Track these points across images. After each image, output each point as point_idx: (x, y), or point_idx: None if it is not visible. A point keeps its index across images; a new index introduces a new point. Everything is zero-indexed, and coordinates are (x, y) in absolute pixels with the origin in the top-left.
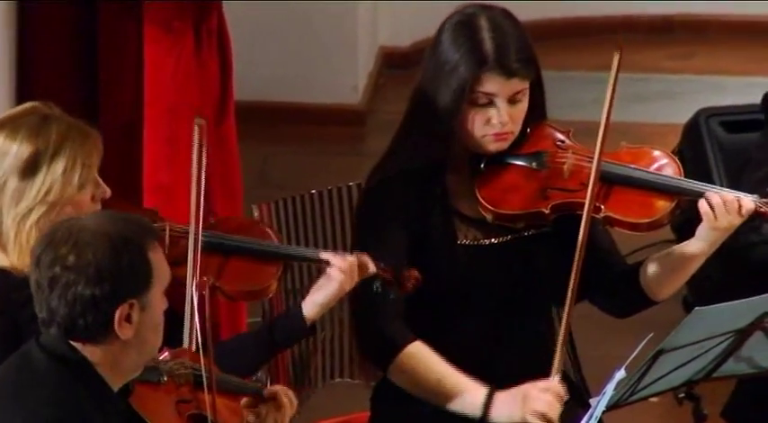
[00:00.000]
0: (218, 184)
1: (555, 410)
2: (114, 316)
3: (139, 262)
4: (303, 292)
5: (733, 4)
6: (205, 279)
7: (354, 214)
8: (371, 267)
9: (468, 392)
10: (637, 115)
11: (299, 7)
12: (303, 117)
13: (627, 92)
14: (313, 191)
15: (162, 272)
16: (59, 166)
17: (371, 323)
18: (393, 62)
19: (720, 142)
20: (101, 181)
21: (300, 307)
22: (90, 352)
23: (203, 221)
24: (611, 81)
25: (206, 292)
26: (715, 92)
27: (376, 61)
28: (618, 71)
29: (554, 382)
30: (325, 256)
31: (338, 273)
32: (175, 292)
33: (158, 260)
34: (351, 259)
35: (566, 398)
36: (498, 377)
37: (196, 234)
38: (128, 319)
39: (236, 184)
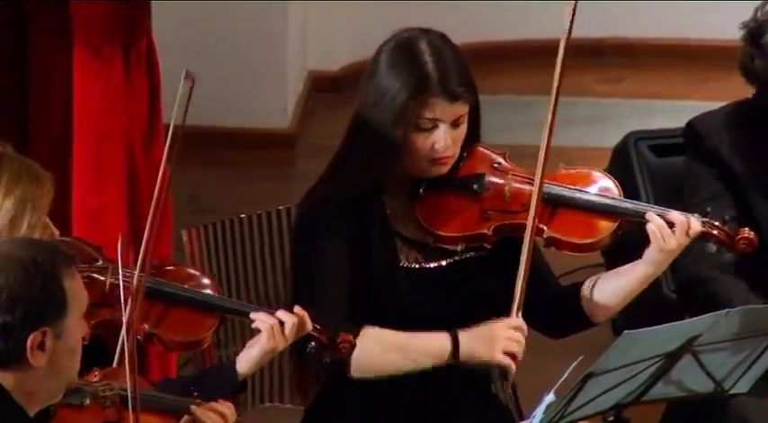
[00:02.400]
0: (149, 209)
1: (521, 348)
2: (26, 343)
3: (53, 289)
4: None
5: (664, 28)
6: (145, 326)
7: (293, 238)
8: (308, 327)
9: (434, 343)
10: (566, 139)
11: (228, 31)
12: (233, 141)
13: (556, 115)
14: (243, 215)
15: (78, 299)
16: (8, 208)
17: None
18: (322, 86)
19: (649, 166)
20: (50, 223)
21: (234, 362)
22: (3, 378)
23: (148, 269)
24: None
25: (141, 337)
26: (644, 115)
27: (305, 85)
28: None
29: (517, 319)
30: (254, 316)
31: (265, 330)
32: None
33: (75, 287)
34: (284, 319)
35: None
36: (442, 398)
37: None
38: (41, 346)
39: (166, 209)
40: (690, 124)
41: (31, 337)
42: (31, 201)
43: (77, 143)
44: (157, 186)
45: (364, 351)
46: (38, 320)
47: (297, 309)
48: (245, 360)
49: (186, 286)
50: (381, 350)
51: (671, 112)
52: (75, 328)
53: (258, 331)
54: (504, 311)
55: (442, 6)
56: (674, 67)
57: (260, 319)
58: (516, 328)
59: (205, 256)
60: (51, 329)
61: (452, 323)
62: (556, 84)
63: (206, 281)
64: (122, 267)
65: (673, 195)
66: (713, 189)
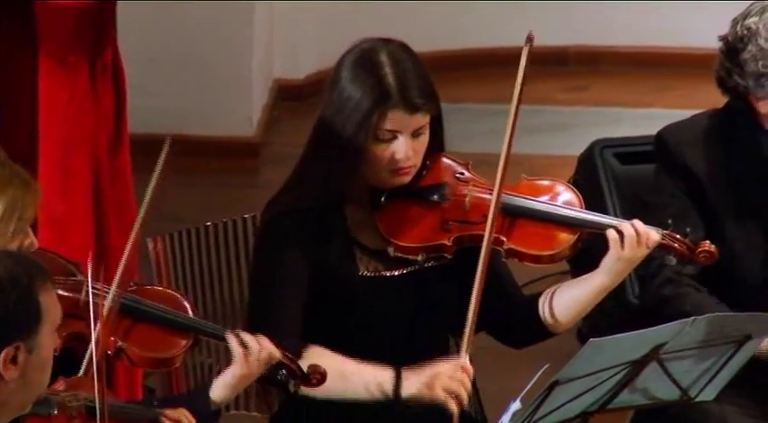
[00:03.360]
0: (114, 217)
1: (465, 389)
2: None
3: (28, 303)
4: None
5: (628, 35)
6: (113, 339)
7: (253, 247)
8: (277, 355)
9: (376, 375)
10: (531, 147)
11: (194, 40)
12: (198, 149)
13: (521, 123)
14: (208, 223)
15: (53, 314)
16: None
17: None
18: (288, 94)
19: (615, 173)
20: (31, 233)
21: (208, 388)
22: None
23: (123, 285)
24: (521, 74)
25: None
26: (609, 123)
27: (271, 94)
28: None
29: (463, 360)
30: (229, 339)
31: (239, 355)
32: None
33: (49, 302)
34: (255, 346)
35: (473, 376)
36: (400, 406)
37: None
38: (13, 360)
39: (131, 217)
40: (660, 135)
41: (4, 351)
42: (20, 208)
43: (43, 152)
44: (145, 204)
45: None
46: (11, 335)
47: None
48: (221, 385)
49: (163, 305)
50: (321, 388)
51: (635, 120)
52: (48, 342)
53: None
54: (463, 320)
55: (407, 15)
56: (638, 74)
57: (235, 345)
58: (462, 369)
59: (171, 264)
60: (24, 344)
61: (412, 332)
62: (515, 103)
63: (183, 302)
64: (99, 283)
65: (638, 203)
66: (680, 203)
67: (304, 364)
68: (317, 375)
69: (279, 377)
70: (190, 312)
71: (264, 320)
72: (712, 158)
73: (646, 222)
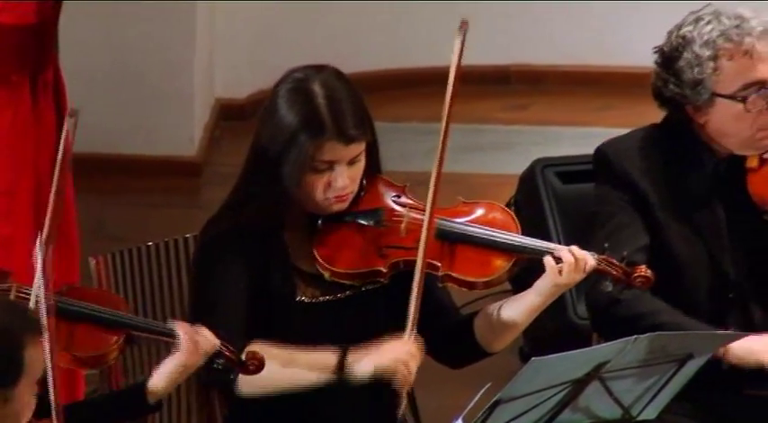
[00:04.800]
0: (56, 236)
1: (414, 363)
2: None
3: (13, 356)
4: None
5: (569, 54)
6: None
7: (192, 266)
8: (216, 342)
9: (321, 357)
10: (471, 166)
11: (135, 59)
12: (139, 169)
13: (461, 142)
14: (150, 243)
15: (35, 368)
16: None
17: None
18: (229, 114)
19: (556, 192)
20: None
21: (143, 383)
22: None
23: (54, 289)
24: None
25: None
26: (550, 142)
27: (212, 113)
28: (462, 52)
29: (409, 343)
30: (170, 326)
31: (184, 343)
32: None
33: (35, 356)
34: (194, 334)
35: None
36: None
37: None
38: None
39: (73, 236)
40: (599, 150)
41: None
42: None
43: None
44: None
45: (252, 387)
46: None
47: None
48: (159, 376)
49: (90, 304)
50: (266, 382)
51: (576, 139)
52: (26, 393)
53: (168, 352)
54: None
55: (348, 34)
56: (578, 93)
57: (179, 333)
58: (408, 351)
59: (113, 283)
60: (1, 394)
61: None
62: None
63: (115, 299)
64: (24, 287)
65: (580, 222)
66: (622, 218)
67: (247, 384)
68: (255, 361)
69: (216, 366)
70: (123, 309)
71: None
72: (654, 173)
73: (589, 240)
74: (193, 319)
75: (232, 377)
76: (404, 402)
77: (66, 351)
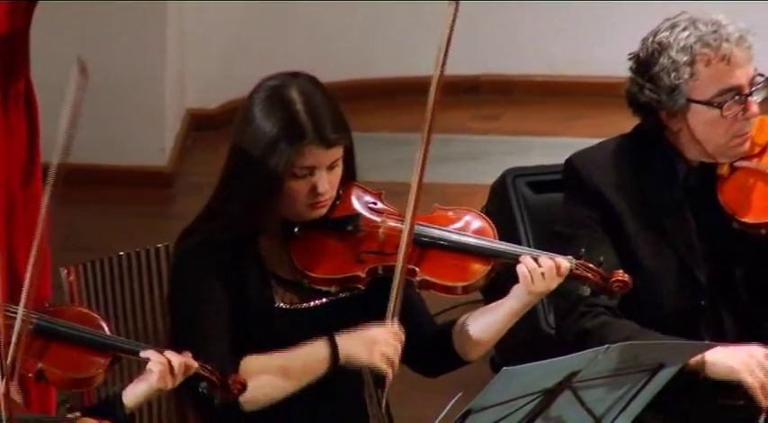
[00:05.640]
0: (27, 247)
1: (397, 355)
2: None
3: None
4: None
5: (539, 64)
6: (33, 362)
7: (169, 283)
8: (194, 365)
9: (313, 354)
10: (443, 176)
11: (106, 70)
12: (111, 179)
13: (432, 152)
14: (121, 253)
15: None
16: None
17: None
18: (200, 124)
19: (527, 202)
20: None
21: (121, 397)
22: None
23: (35, 305)
24: (445, 37)
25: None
26: (521, 152)
27: (183, 123)
28: (453, 24)
29: (394, 326)
30: (145, 354)
31: (156, 370)
32: None
33: None
34: (173, 359)
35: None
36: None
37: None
38: None
39: (44, 247)
40: (569, 162)
41: None
42: None
43: None
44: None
45: (255, 397)
46: None
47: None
48: (131, 395)
49: (79, 325)
50: (266, 379)
51: (547, 149)
52: None
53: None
54: None
55: (318, 44)
56: (549, 103)
57: (152, 360)
58: (394, 335)
59: (84, 293)
60: None
61: None
62: (425, 138)
63: (99, 321)
64: (8, 306)
65: (551, 232)
66: (592, 232)
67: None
68: (238, 385)
69: (201, 390)
70: (106, 330)
71: (194, 350)
72: (624, 184)
73: (558, 252)
74: (175, 338)
75: (216, 402)
76: (387, 388)
77: (55, 371)
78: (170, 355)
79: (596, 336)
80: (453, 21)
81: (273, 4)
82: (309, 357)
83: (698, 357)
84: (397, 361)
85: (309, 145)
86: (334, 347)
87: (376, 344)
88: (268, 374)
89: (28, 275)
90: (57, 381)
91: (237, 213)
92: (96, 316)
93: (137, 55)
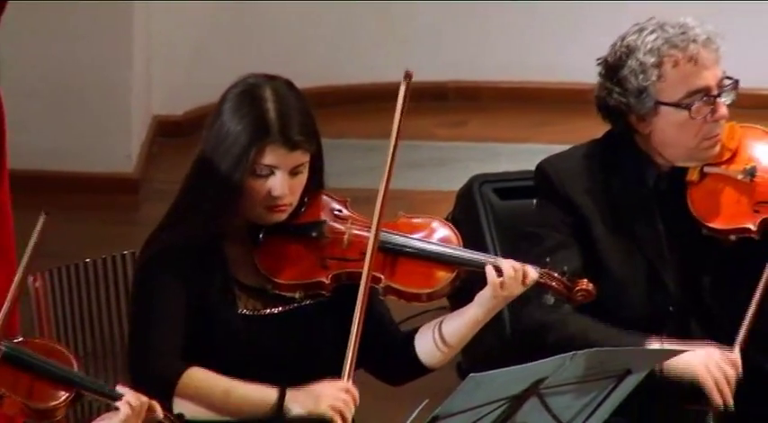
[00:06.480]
0: None
1: (350, 409)
2: None
3: None
4: None
5: (506, 71)
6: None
7: (132, 284)
8: (158, 413)
9: (260, 393)
10: (410, 182)
11: (72, 77)
12: (77, 186)
13: (400, 159)
14: (88, 259)
15: None
16: None
17: (142, 369)
18: (167, 131)
19: (494, 209)
20: None
21: None
22: None
23: (8, 333)
24: (398, 112)
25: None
26: (488, 158)
27: (149, 130)
28: (406, 101)
29: (348, 383)
30: (120, 390)
31: (127, 407)
32: None
33: None
34: (142, 400)
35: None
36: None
37: None
38: None
39: (10, 254)
40: (540, 168)
41: None
42: None
43: None
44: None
45: (189, 388)
46: None
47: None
48: None
49: (45, 358)
50: (206, 390)
51: (514, 155)
52: None
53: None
54: (342, 357)
55: (286, 51)
56: (516, 110)
57: (122, 401)
58: (346, 391)
59: (50, 300)
60: None
61: (292, 370)
62: (393, 142)
63: (69, 356)
64: None
65: (518, 238)
66: (561, 237)
67: (183, 406)
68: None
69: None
70: (75, 367)
71: (144, 356)
72: (594, 189)
73: (526, 255)
74: (131, 336)
75: None
76: None
77: (20, 398)
78: (136, 400)
79: (557, 329)
80: (406, 96)
81: (240, 11)
82: (254, 393)
83: None
84: (349, 416)
85: (272, 143)
86: (282, 396)
87: (324, 397)
88: (209, 391)
89: (7, 305)
90: (16, 409)
91: (200, 214)
92: (65, 350)
93: (103, 62)
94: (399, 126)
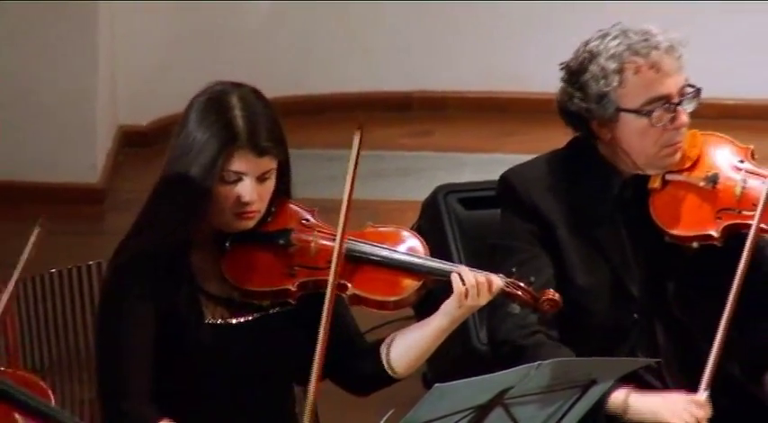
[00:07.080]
0: None
1: None
2: None
3: None
4: None
5: (471, 81)
6: None
7: (99, 294)
8: None
9: None
10: (375, 192)
11: (37, 87)
12: (41, 196)
13: (365, 169)
14: (53, 270)
15: None
16: None
17: (113, 412)
18: (132, 140)
19: (459, 219)
20: None
21: None
22: None
23: None
24: (353, 162)
25: None
26: (453, 168)
27: (114, 140)
28: (359, 150)
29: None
30: None
31: None
32: None
33: None
34: None
35: None
36: None
37: None
38: None
39: None
40: (504, 178)
41: None
42: None
43: None
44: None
45: None
46: None
47: None
48: None
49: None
50: None
51: (479, 165)
52: None
53: None
54: (309, 365)
55: (250, 60)
56: (482, 120)
57: None
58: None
59: (15, 310)
60: None
61: (256, 379)
62: (356, 145)
63: (45, 389)
64: None
65: (483, 248)
66: (530, 247)
67: None
68: None
69: None
70: (52, 400)
71: (114, 398)
72: (559, 198)
73: (492, 267)
74: (98, 357)
75: None
76: None
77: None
78: None
79: (531, 357)
80: (358, 150)
81: (205, 21)
82: None
83: (620, 401)
84: None
85: (241, 149)
86: None
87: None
88: None
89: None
90: None
91: (167, 221)
92: (41, 383)
93: (68, 72)
94: (353, 181)
